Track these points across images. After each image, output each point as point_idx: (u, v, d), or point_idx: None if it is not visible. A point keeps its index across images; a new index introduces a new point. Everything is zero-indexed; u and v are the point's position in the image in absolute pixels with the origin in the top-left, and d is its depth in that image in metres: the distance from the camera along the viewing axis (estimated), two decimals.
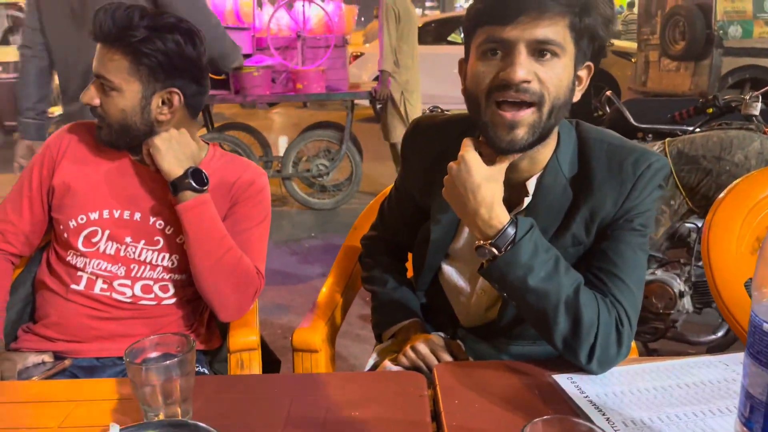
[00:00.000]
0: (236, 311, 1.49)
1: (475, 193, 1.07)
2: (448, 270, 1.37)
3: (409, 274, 1.54)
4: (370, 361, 1.44)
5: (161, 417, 0.96)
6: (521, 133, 1.09)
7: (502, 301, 1.27)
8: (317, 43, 5.19)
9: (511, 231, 1.07)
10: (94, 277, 1.47)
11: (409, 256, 1.58)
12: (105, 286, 1.47)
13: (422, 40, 8.06)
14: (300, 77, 4.91)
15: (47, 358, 1.44)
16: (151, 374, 0.95)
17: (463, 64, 1.20)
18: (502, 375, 1.12)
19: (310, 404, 1.04)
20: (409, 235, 1.45)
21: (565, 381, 1.07)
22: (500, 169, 1.11)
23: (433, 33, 9.78)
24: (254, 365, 1.45)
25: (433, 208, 1.33)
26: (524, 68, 1.06)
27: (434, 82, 7.35)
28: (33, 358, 1.42)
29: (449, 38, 9.94)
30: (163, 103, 1.43)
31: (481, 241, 1.10)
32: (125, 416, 0.91)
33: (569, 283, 1.10)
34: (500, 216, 1.07)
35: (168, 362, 0.95)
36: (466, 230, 1.32)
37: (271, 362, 1.66)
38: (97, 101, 1.41)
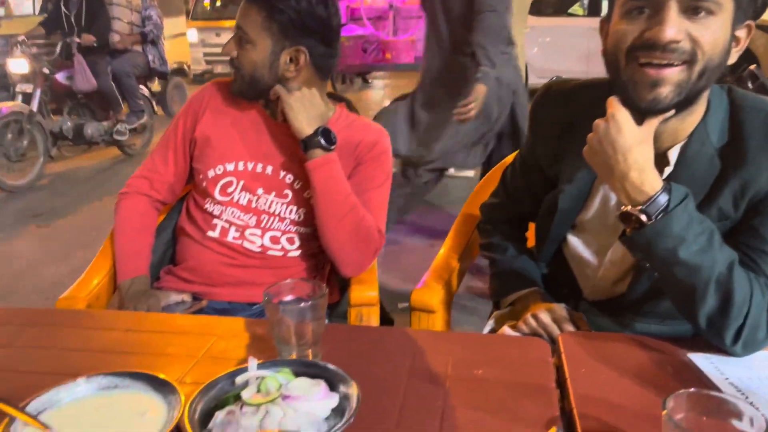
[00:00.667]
0: (357, 267, 1.54)
1: (625, 155, 1.02)
2: (574, 241, 1.33)
3: (530, 243, 1.51)
4: (486, 328, 1.44)
5: (294, 357, 1.01)
6: (665, 91, 1.02)
7: (633, 275, 1.22)
8: (409, 13, 5.15)
9: (663, 198, 1.01)
10: (227, 225, 1.57)
11: (531, 226, 1.55)
12: (237, 235, 1.56)
13: (541, 12, 7.73)
14: (390, 47, 4.90)
15: (186, 297, 1.56)
16: (287, 315, 1.00)
17: (604, 23, 1.14)
18: (631, 349, 1.08)
19: (432, 359, 1.06)
20: (533, 204, 1.42)
21: (702, 361, 1.02)
22: (650, 130, 1.05)
23: (554, 4, 9.38)
24: (373, 320, 1.50)
25: (562, 177, 1.29)
26: (674, 26, 0.99)
27: (553, 56, 7.08)
28: (174, 297, 1.54)
29: (569, 11, 9.50)
30: (291, 60, 1.50)
31: (628, 207, 1.04)
32: (261, 354, 0.97)
33: (723, 259, 1.03)
34: (653, 181, 1.01)
35: (302, 305, 1.00)
36: (597, 200, 1.27)
37: (385, 321, 1.70)
38: (234, 53, 1.51)
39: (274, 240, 1.57)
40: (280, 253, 1.58)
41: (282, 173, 1.56)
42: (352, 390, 0.91)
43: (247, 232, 1.56)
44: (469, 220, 1.70)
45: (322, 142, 1.47)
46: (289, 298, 1.06)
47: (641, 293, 1.22)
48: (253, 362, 0.96)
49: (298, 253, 1.60)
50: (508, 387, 0.97)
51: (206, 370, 1.00)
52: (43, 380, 0.96)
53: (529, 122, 1.42)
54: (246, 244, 1.56)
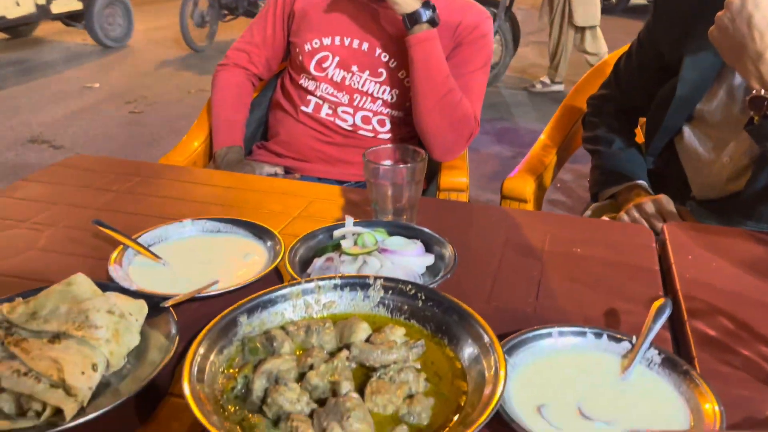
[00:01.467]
0: (449, 151, 1.51)
1: (763, 33, 0.92)
2: (690, 134, 1.24)
3: (639, 140, 1.43)
4: None
5: (389, 218, 1.01)
6: None
7: (752, 172, 1.13)
8: None
9: None
10: (321, 102, 1.56)
11: (641, 122, 1.46)
12: (330, 111, 1.56)
13: None
14: None
15: (279, 170, 1.59)
16: (385, 177, 0.99)
17: None
18: (743, 242, 1.01)
19: (528, 234, 1.03)
20: (645, 97, 1.32)
21: None
22: None
23: None
24: None
25: (685, 62, 1.18)
26: None
27: None
28: (268, 169, 1.57)
29: None
30: None
31: (761, 92, 0.95)
32: (356, 217, 0.97)
33: None
34: None
35: (401, 166, 0.99)
36: (722, 91, 1.17)
37: None
38: None
39: (366, 120, 1.56)
40: (371, 134, 1.57)
41: (378, 51, 1.52)
42: (448, 251, 0.90)
43: (340, 109, 1.55)
44: (570, 113, 1.62)
45: (428, 14, 1.41)
46: (388, 162, 1.05)
47: (757, 192, 1.13)
48: (350, 219, 0.96)
49: (388, 136, 1.58)
50: (609, 265, 0.94)
51: (303, 226, 1.02)
52: (148, 221, 1.01)
53: (653, 3, 1.30)
54: (338, 122, 1.56)
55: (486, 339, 0.66)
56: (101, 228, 0.95)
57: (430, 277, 0.88)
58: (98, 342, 0.66)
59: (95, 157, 1.37)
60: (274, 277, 0.89)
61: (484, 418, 0.55)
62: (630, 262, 0.95)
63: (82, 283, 0.73)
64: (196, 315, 0.78)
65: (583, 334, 0.73)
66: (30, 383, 0.60)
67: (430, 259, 0.90)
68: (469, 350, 0.68)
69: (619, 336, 0.72)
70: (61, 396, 0.60)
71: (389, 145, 1.05)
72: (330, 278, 0.78)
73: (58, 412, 0.60)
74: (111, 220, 0.97)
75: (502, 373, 0.61)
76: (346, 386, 0.62)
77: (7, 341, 0.65)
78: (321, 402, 0.61)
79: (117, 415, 0.62)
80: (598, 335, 0.73)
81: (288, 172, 1.60)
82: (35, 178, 1.22)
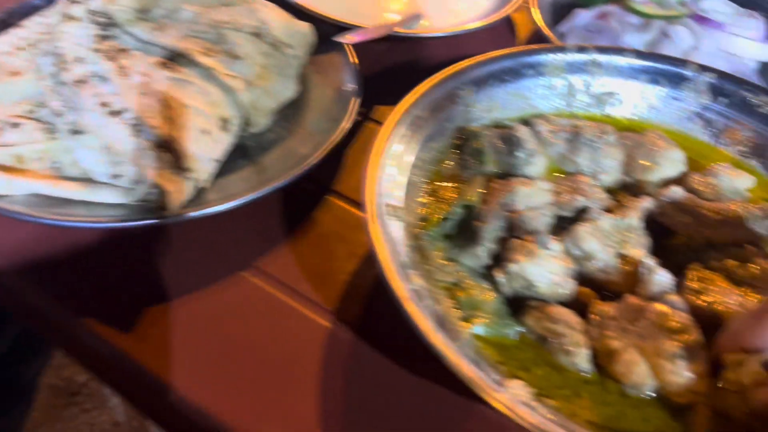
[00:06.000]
0: None
1: None
2: None
3: None
4: None
5: None
6: None
7: None
8: None
9: None
10: None
11: None
12: None
13: None
14: None
15: None
16: None
17: None
18: None
19: None
20: None
21: None
22: None
23: None
24: None
25: None
26: None
27: None
28: None
29: None
30: None
31: None
32: None
33: None
34: None
35: None
36: None
37: None
38: None
39: None
40: None
41: None
42: None
43: None
44: None
45: None
46: None
47: None
48: None
49: None
50: None
51: None
52: None
53: None
54: None
55: None
56: None
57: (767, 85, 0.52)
58: (236, 82, 0.40)
59: None
60: (506, 31, 0.56)
61: None
62: None
63: None
64: (382, 70, 0.49)
65: None
66: (123, 133, 0.36)
67: None
68: None
69: None
70: (166, 167, 0.36)
71: None
72: (617, 51, 0.44)
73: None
74: None
75: None
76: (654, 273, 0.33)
77: (102, 47, 0.40)
78: (593, 286, 0.33)
79: (251, 211, 0.38)
80: None
81: None
82: None
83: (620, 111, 0.45)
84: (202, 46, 0.41)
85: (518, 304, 0.33)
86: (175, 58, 0.40)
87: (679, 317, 0.29)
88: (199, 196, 0.36)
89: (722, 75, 0.43)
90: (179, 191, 0.35)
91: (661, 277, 0.32)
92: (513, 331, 0.32)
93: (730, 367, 0.28)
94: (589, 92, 0.45)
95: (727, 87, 0.43)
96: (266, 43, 0.42)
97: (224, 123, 0.39)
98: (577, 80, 0.44)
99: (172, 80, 0.39)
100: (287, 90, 0.43)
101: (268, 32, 0.42)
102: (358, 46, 0.47)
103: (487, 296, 0.32)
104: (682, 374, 0.28)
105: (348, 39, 0.45)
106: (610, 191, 0.39)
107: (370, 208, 0.32)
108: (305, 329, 0.33)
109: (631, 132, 0.41)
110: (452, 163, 0.40)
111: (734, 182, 0.38)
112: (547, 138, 0.40)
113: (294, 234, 0.38)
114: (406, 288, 0.29)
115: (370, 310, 0.34)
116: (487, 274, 0.34)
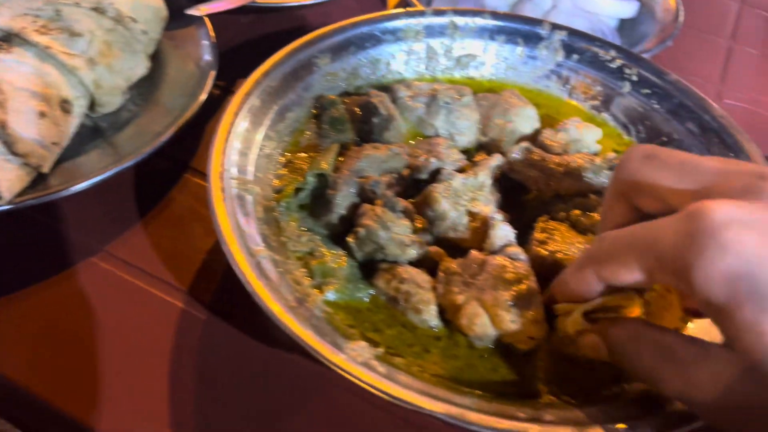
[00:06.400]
0: None
1: None
2: None
3: None
4: None
5: None
6: None
7: None
8: None
9: None
10: None
11: None
12: None
13: None
14: None
15: None
16: None
17: None
18: None
19: None
20: None
21: None
22: None
23: None
24: None
25: None
26: None
27: None
28: None
29: None
30: None
31: None
32: None
33: None
34: None
35: None
36: None
37: None
38: None
39: None
40: None
41: None
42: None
43: None
44: None
45: None
46: None
47: None
48: None
49: None
50: None
51: None
52: None
53: None
54: None
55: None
56: None
57: (625, 41, 0.54)
58: (76, 61, 0.38)
59: None
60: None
61: None
62: None
63: None
64: (245, 43, 0.48)
65: None
66: None
67: (631, 6, 0.55)
68: None
69: None
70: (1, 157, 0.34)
71: None
72: (474, 13, 0.45)
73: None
74: None
75: None
76: (501, 231, 0.33)
77: None
78: (447, 245, 0.34)
79: (102, 194, 0.37)
80: None
81: None
82: None
83: (481, 72, 0.45)
84: (38, 25, 0.38)
85: (373, 268, 0.33)
86: (8, 38, 0.38)
87: (516, 268, 0.30)
88: (40, 182, 0.35)
89: (573, 32, 0.44)
90: (12, 179, 0.33)
91: (503, 231, 0.33)
92: (365, 294, 0.32)
93: (559, 316, 0.29)
94: (449, 55, 0.45)
95: (578, 44, 0.44)
96: (109, 18, 0.40)
97: (65, 104, 0.37)
98: (437, 44, 0.45)
99: (2, 62, 0.36)
100: (138, 67, 0.41)
101: (111, 6, 0.40)
102: (222, 20, 0.46)
103: (341, 262, 0.32)
104: (518, 321, 0.29)
105: (201, 11, 0.44)
106: (468, 152, 0.40)
107: (215, 182, 0.31)
108: (158, 311, 0.32)
109: (490, 93, 0.42)
110: (310, 133, 0.39)
111: (584, 135, 0.40)
112: (407, 103, 0.41)
113: (149, 214, 0.37)
114: (248, 261, 0.28)
115: (224, 286, 0.34)
116: (341, 241, 0.34)
